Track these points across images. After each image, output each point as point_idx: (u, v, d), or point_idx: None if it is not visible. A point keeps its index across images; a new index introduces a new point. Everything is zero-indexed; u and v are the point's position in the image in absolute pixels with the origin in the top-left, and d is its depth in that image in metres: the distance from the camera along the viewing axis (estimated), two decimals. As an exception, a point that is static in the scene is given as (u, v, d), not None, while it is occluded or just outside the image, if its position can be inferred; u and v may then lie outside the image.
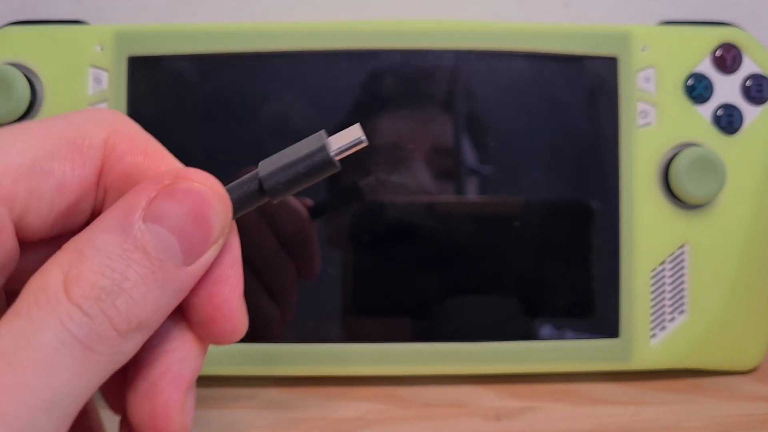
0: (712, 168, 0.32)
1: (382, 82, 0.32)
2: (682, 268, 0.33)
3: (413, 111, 0.32)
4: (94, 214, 0.17)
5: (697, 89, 0.33)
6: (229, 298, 0.17)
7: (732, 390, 0.32)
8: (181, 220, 0.15)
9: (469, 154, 0.32)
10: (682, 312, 0.33)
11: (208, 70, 0.32)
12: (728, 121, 0.33)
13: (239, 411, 0.30)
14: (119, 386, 0.18)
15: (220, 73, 0.32)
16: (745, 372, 0.34)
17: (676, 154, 0.32)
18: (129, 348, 0.15)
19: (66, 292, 0.14)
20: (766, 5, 0.46)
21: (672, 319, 0.33)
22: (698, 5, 0.45)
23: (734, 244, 0.33)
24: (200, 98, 0.32)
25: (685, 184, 0.31)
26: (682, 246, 0.33)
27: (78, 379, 0.14)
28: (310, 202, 0.32)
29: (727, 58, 0.33)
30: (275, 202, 0.17)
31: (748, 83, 0.33)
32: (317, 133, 0.17)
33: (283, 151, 0.17)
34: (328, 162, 0.17)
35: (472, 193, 0.33)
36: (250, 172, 0.17)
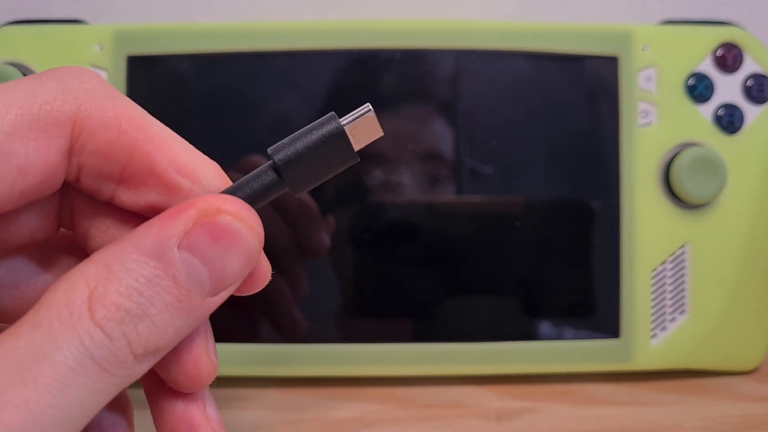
0: (712, 168, 0.31)
1: (382, 82, 0.32)
2: (682, 268, 0.32)
3: (413, 110, 0.32)
4: (67, 183, 0.16)
5: (698, 89, 0.33)
6: (201, 351, 0.16)
7: (733, 390, 0.32)
8: (216, 254, 0.15)
9: (469, 153, 0.32)
10: (682, 312, 0.33)
11: (207, 69, 0.32)
12: (729, 120, 0.33)
13: (239, 411, 0.30)
14: None
15: (220, 73, 0.32)
16: (745, 372, 0.34)
17: (676, 153, 0.32)
18: (140, 371, 0.15)
19: (90, 310, 0.14)
20: (767, 5, 0.46)
21: (673, 320, 0.33)
22: (699, 5, 0.45)
23: (735, 244, 0.32)
24: (199, 98, 0.32)
25: (686, 183, 0.31)
26: (682, 246, 0.32)
27: (90, 399, 0.14)
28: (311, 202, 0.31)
29: (728, 58, 0.33)
30: (286, 181, 0.17)
31: (749, 83, 0.33)
32: (335, 127, 0.17)
33: (294, 135, 0.17)
34: (351, 156, 0.17)
35: (472, 193, 0.32)
36: (252, 158, 0.17)
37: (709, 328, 0.33)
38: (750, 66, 0.33)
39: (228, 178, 0.17)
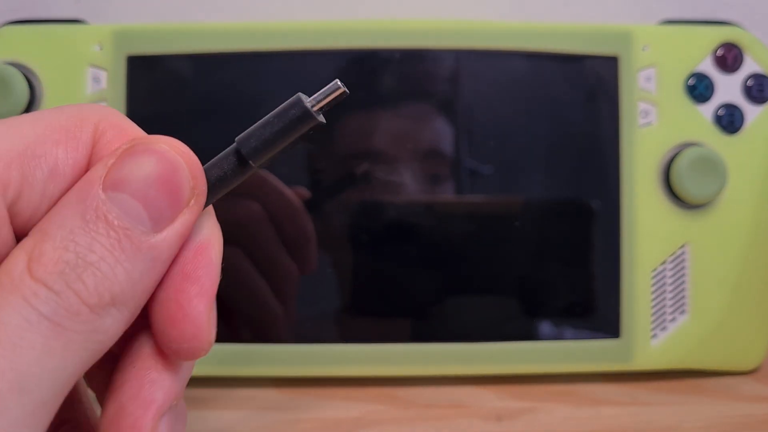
0: (713, 168, 0.31)
1: (382, 82, 0.32)
2: (683, 268, 0.32)
3: (413, 110, 0.32)
4: None
5: (698, 89, 0.33)
6: (194, 298, 0.15)
7: (733, 390, 0.32)
8: (142, 183, 0.14)
9: (468, 153, 0.32)
10: (683, 312, 0.33)
11: (207, 69, 0.32)
12: (729, 120, 0.33)
13: (239, 412, 0.30)
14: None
15: (219, 73, 0.32)
16: (746, 372, 0.34)
17: (677, 153, 0.32)
18: (106, 325, 0.14)
19: (29, 271, 0.13)
20: (767, 4, 0.46)
21: (673, 320, 0.32)
22: (699, 4, 0.45)
23: (735, 244, 0.32)
24: (199, 97, 0.32)
25: (686, 183, 0.31)
26: (683, 246, 0.32)
27: (49, 359, 0.13)
28: (306, 193, 0.31)
29: (728, 58, 0.33)
30: (257, 166, 0.16)
31: (749, 83, 0.33)
32: (297, 100, 0.17)
33: (266, 124, 0.17)
34: (304, 113, 0.16)
35: (471, 193, 0.32)
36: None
37: (710, 328, 0.33)
38: (750, 66, 0.33)
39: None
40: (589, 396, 0.32)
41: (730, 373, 0.33)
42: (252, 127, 0.16)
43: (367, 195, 0.32)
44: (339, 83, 0.16)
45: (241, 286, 0.31)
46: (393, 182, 0.32)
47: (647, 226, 0.32)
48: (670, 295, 0.32)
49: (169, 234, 0.15)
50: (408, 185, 0.32)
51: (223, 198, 0.17)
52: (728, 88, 0.33)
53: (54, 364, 0.13)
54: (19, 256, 0.14)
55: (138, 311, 0.15)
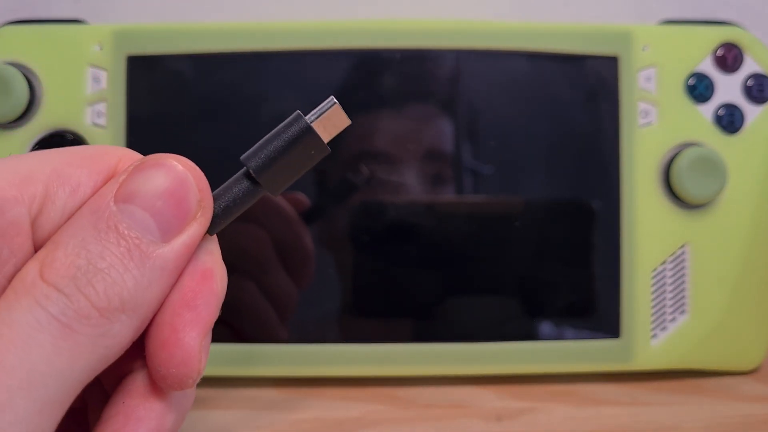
0: (713, 168, 0.31)
1: (382, 82, 0.32)
2: (683, 268, 0.32)
3: (413, 110, 0.32)
4: None
5: (698, 89, 0.33)
6: (188, 324, 0.16)
7: (733, 390, 0.32)
8: (151, 196, 0.15)
9: (469, 153, 0.32)
10: (683, 312, 0.33)
11: (207, 69, 0.32)
12: (729, 120, 0.33)
13: (239, 412, 0.30)
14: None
15: (220, 73, 0.32)
16: (746, 372, 0.34)
17: (677, 153, 0.32)
18: (115, 331, 0.14)
19: (41, 275, 0.14)
20: (767, 4, 0.46)
21: (673, 320, 0.33)
22: (699, 4, 0.45)
23: (735, 244, 0.32)
24: (199, 98, 0.32)
25: (686, 183, 0.31)
26: (683, 246, 0.32)
27: (58, 359, 0.13)
28: (306, 200, 0.31)
29: (729, 58, 0.33)
30: (265, 186, 0.17)
31: (749, 83, 0.33)
32: (296, 117, 0.18)
33: (269, 143, 0.18)
34: (305, 128, 0.17)
35: (472, 193, 0.32)
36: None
37: (710, 328, 0.33)
38: (750, 66, 0.33)
39: None
40: (590, 396, 0.32)
41: (730, 373, 0.33)
42: (261, 152, 0.18)
43: (368, 195, 0.32)
44: (333, 100, 0.18)
45: (242, 307, 0.31)
46: (393, 182, 0.32)
47: (647, 226, 0.32)
48: (670, 295, 0.32)
49: (177, 245, 0.15)
50: (408, 185, 0.32)
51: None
52: (728, 88, 0.33)
53: (63, 365, 0.13)
54: (32, 264, 0.14)
55: (147, 321, 0.15)
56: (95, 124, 0.31)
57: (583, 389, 0.32)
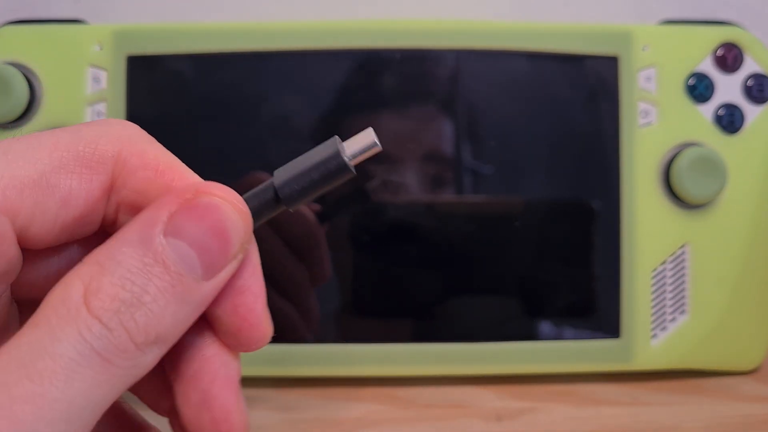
0: (713, 168, 0.31)
1: (382, 82, 0.32)
2: (683, 268, 0.32)
3: (413, 110, 0.32)
4: (104, 226, 0.17)
5: (698, 89, 0.33)
6: (253, 307, 0.17)
7: (733, 390, 0.32)
8: (201, 234, 0.15)
9: (469, 154, 0.32)
10: (683, 312, 0.33)
11: (207, 69, 0.32)
12: (729, 120, 0.33)
13: (239, 412, 0.30)
14: (159, 391, 0.18)
15: (220, 73, 0.32)
16: (746, 372, 0.34)
17: (677, 153, 0.32)
18: (146, 361, 0.15)
19: (86, 304, 0.14)
20: (767, 4, 0.46)
21: (673, 320, 0.32)
22: (699, 4, 0.45)
23: (735, 244, 0.32)
24: (199, 97, 0.32)
25: (686, 183, 0.31)
26: (683, 246, 0.32)
27: (96, 391, 0.14)
28: (317, 207, 0.31)
29: (729, 58, 0.33)
30: (291, 210, 0.17)
31: (749, 83, 0.33)
32: (331, 139, 0.17)
33: (297, 158, 0.17)
34: (342, 167, 0.17)
35: (472, 193, 0.32)
36: (256, 174, 0.17)
37: (710, 328, 0.33)
38: (750, 66, 0.33)
39: None
40: (590, 396, 0.32)
41: (730, 373, 0.33)
42: (290, 170, 0.17)
43: (368, 195, 0.32)
44: (375, 142, 0.17)
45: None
46: (393, 182, 0.32)
47: (647, 226, 0.32)
48: (670, 295, 0.32)
49: (216, 281, 0.16)
50: (408, 185, 0.32)
51: None
52: (728, 88, 0.33)
53: (98, 397, 0.14)
54: (76, 284, 0.14)
55: (171, 345, 0.16)
56: (95, 124, 0.31)
57: (583, 389, 0.32)
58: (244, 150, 0.32)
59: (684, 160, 0.31)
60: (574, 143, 0.33)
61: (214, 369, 0.17)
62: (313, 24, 0.32)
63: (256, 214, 0.17)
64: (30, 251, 0.16)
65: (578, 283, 0.32)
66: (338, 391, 0.32)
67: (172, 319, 0.15)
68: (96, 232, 0.17)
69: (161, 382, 0.18)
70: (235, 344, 0.17)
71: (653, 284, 0.32)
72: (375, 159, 0.32)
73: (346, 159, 0.17)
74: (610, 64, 0.32)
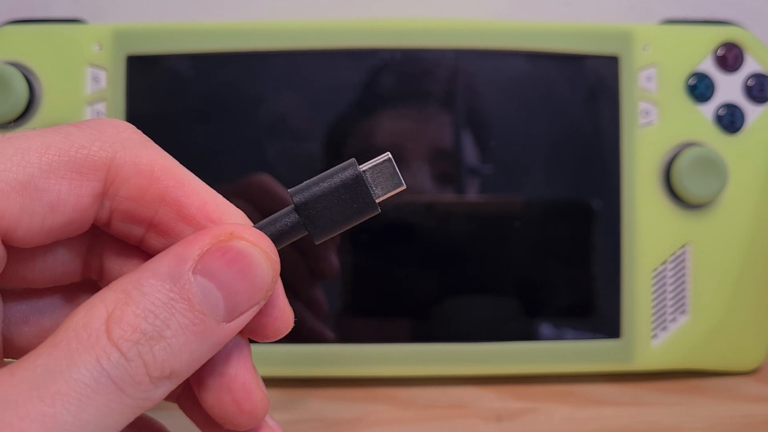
0: (713, 168, 0.31)
1: (382, 81, 0.32)
2: (683, 268, 0.32)
3: (413, 110, 0.32)
4: (96, 226, 0.17)
5: (699, 88, 0.32)
6: (277, 302, 0.17)
7: (733, 391, 0.32)
8: (230, 278, 0.15)
9: (469, 153, 0.32)
10: (683, 312, 0.33)
11: (206, 68, 0.32)
12: (730, 120, 0.32)
13: (238, 412, 0.30)
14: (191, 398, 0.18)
15: (219, 72, 0.32)
16: (746, 373, 0.34)
17: (677, 153, 0.32)
18: (157, 395, 0.15)
19: (108, 331, 0.14)
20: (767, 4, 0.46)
21: (673, 320, 0.32)
22: (700, 4, 0.45)
23: (736, 244, 0.32)
24: (199, 97, 0.32)
25: (687, 183, 0.31)
26: (683, 246, 0.32)
27: (106, 419, 0.14)
28: None
29: (729, 57, 0.33)
30: (316, 243, 0.18)
31: (750, 82, 0.33)
32: (352, 170, 0.17)
33: (322, 188, 0.17)
34: (373, 209, 0.17)
35: (472, 193, 0.32)
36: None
37: (710, 328, 0.33)
38: (751, 65, 0.33)
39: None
40: (590, 396, 0.32)
41: (731, 374, 0.33)
42: (324, 211, 0.17)
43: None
44: (402, 182, 0.18)
45: None
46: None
47: (648, 226, 0.32)
48: (670, 295, 0.32)
49: (236, 324, 0.16)
50: (408, 185, 0.32)
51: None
52: (729, 88, 0.33)
53: (108, 424, 0.14)
54: (99, 309, 0.14)
55: (183, 380, 0.16)
56: (95, 124, 0.31)
57: (583, 390, 0.32)
58: (244, 149, 0.32)
59: (684, 160, 0.31)
60: (575, 143, 0.32)
61: (228, 350, 0.17)
62: (312, 24, 0.32)
63: (278, 239, 0.17)
64: (16, 248, 0.16)
65: (578, 283, 0.32)
66: (338, 391, 0.32)
67: (188, 356, 0.15)
68: (85, 232, 0.17)
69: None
70: (257, 335, 0.17)
71: (654, 284, 0.32)
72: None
73: (376, 199, 0.17)
74: (611, 63, 0.32)
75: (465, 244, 0.32)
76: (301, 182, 0.17)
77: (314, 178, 0.17)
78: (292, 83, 0.32)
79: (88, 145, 0.16)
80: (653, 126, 0.32)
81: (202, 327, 0.15)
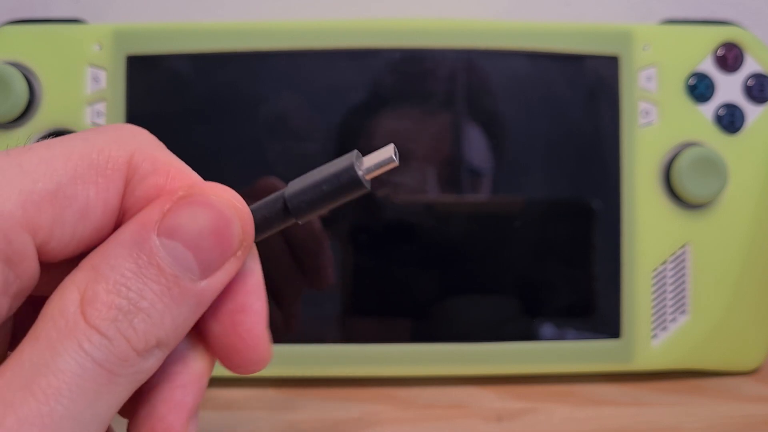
0: (713, 168, 0.31)
1: (382, 82, 0.32)
2: (683, 268, 0.32)
3: (413, 110, 0.32)
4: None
5: (699, 88, 0.32)
6: (253, 327, 0.16)
7: (733, 391, 0.32)
8: (196, 233, 0.15)
9: (469, 153, 0.32)
10: (683, 312, 0.32)
11: (206, 68, 0.32)
12: (730, 120, 0.32)
13: (238, 412, 0.30)
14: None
15: (219, 72, 0.32)
16: (746, 373, 0.34)
17: (677, 153, 0.32)
18: (148, 366, 0.15)
19: (83, 314, 0.14)
20: (768, 4, 0.46)
21: (673, 320, 0.32)
22: (700, 4, 0.45)
23: (736, 244, 0.32)
24: (199, 97, 0.32)
25: (687, 183, 0.31)
26: (683, 246, 0.32)
27: (100, 404, 0.14)
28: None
29: (729, 57, 0.33)
30: (300, 223, 0.17)
31: (749, 82, 0.33)
32: (350, 153, 0.17)
33: (313, 170, 0.17)
34: (355, 181, 0.16)
35: (472, 193, 0.32)
36: (269, 179, 0.17)
37: (710, 328, 0.33)
38: (751, 66, 0.33)
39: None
40: (590, 396, 0.32)
41: (731, 374, 0.33)
42: (303, 181, 0.17)
43: (368, 195, 0.32)
44: (393, 157, 0.16)
45: None
46: (393, 182, 0.32)
47: (648, 226, 0.32)
48: (670, 295, 0.32)
49: (214, 281, 0.15)
50: (408, 185, 0.32)
51: None
52: (729, 88, 0.33)
53: (103, 408, 0.14)
54: (71, 293, 0.14)
55: (175, 346, 0.15)
56: (95, 124, 0.31)
57: (583, 390, 0.32)
58: (244, 149, 0.32)
59: (684, 160, 0.31)
60: (575, 143, 0.32)
61: (171, 388, 0.16)
62: (312, 24, 0.32)
63: (264, 224, 0.17)
64: (45, 264, 0.16)
65: (578, 283, 0.32)
66: (338, 392, 0.32)
67: (171, 322, 0.15)
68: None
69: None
70: (230, 364, 0.17)
71: (654, 284, 0.32)
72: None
73: (359, 173, 0.16)
74: (611, 63, 0.32)
75: (465, 244, 0.32)
76: None
77: (311, 179, 0.17)
78: (292, 83, 0.32)
79: (108, 148, 0.16)
80: (653, 126, 0.32)
81: (177, 290, 0.14)
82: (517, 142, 0.33)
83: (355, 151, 0.17)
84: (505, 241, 0.32)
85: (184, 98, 0.32)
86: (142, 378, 0.15)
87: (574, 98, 0.32)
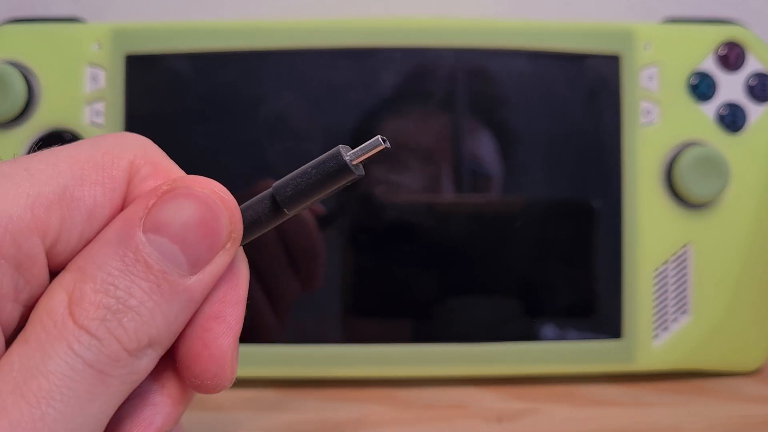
0: (715, 167, 0.31)
1: (382, 81, 0.32)
2: (685, 268, 0.32)
3: (414, 109, 0.32)
4: None
5: (701, 87, 0.32)
6: (220, 337, 0.16)
7: (735, 391, 0.32)
8: (181, 227, 0.14)
9: (470, 153, 0.32)
10: (685, 313, 0.32)
11: (206, 68, 0.32)
12: (732, 119, 0.32)
13: (238, 413, 0.30)
14: None
15: (219, 71, 0.32)
16: (748, 373, 0.33)
17: (679, 152, 0.32)
18: (142, 366, 0.14)
19: (71, 315, 0.14)
20: (770, 3, 0.46)
21: (675, 320, 0.32)
22: (701, 3, 0.45)
23: (738, 244, 0.32)
24: (198, 96, 0.32)
25: (689, 183, 0.31)
26: (685, 246, 0.32)
27: (93, 406, 0.13)
28: (320, 208, 0.31)
29: (731, 56, 0.33)
30: (291, 214, 0.17)
31: (751, 81, 0.33)
32: (337, 146, 0.16)
33: (302, 166, 0.17)
34: (342, 167, 0.16)
35: (472, 193, 0.32)
36: (266, 182, 0.16)
37: (712, 328, 0.32)
38: (753, 65, 0.33)
39: None
40: (591, 397, 0.32)
41: (733, 374, 0.33)
42: (290, 174, 0.16)
43: (368, 195, 0.32)
44: (380, 140, 0.16)
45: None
46: (393, 182, 0.32)
47: (649, 226, 0.32)
48: (672, 296, 0.32)
49: (204, 276, 0.15)
50: (408, 185, 0.32)
51: None
52: (731, 87, 0.33)
53: (96, 409, 0.14)
54: (60, 294, 0.14)
55: (169, 346, 0.15)
56: (94, 123, 0.31)
57: (584, 390, 0.32)
58: (243, 149, 0.32)
59: (686, 160, 0.31)
60: (576, 142, 0.32)
61: (140, 406, 0.16)
62: (311, 23, 0.32)
63: (254, 222, 0.16)
64: (51, 269, 0.16)
65: (579, 283, 0.32)
66: (338, 392, 0.32)
67: (163, 319, 0.14)
68: None
69: None
70: (189, 375, 0.16)
71: (655, 284, 0.32)
72: (374, 159, 0.32)
73: (347, 158, 0.16)
74: (612, 62, 0.32)
75: (466, 244, 0.32)
76: None
77: (299, 171, 0.16)
78: (292, 83, 0.32)
79: (112, 150, 0.16)
80: (654, 125, 0.32)
81: (167, 286, 0.14)
82: (518, 141, 0.32)
83: (343, 145, 0.16)
84: (505, 240, 0.32)
85: (183, 98, 0.32)
86: (137, 379, 0.14)
87: (575, 97, 0.32)
